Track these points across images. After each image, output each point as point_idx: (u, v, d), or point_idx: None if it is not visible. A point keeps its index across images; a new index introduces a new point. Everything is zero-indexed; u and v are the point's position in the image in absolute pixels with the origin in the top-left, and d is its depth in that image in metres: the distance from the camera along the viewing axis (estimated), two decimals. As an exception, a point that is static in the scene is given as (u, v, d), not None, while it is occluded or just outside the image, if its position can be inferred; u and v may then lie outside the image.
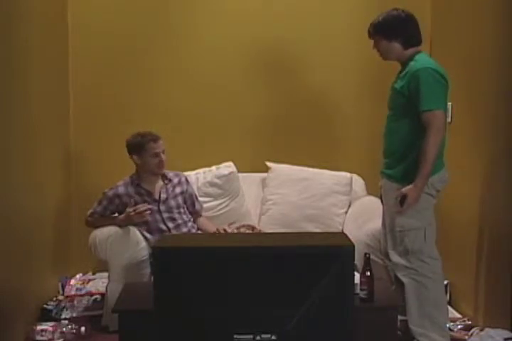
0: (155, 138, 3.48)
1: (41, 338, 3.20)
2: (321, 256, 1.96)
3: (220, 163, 3.98)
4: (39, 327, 3.24)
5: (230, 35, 4.10)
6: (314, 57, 4.17)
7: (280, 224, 3.86)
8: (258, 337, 1.95)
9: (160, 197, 3.52)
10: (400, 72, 3.03)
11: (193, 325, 1.96)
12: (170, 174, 3.62)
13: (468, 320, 3.40)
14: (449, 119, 3.40)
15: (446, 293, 3.46)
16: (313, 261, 1.95)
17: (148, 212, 3.36)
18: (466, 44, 3.58)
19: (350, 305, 2.00)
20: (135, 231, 3.40)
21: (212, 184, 3.88)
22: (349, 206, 3.96)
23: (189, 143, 4.12)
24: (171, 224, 3.50)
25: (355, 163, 4.14)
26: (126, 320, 2.62)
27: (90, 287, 3.79)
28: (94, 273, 4.02)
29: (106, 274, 3.49)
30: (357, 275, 2.52)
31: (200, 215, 3.72)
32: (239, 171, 3.96)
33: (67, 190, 4.05)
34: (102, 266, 3.70)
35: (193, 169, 3.95)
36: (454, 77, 3.09)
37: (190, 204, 3.67)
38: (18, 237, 3.13)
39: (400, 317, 2.87)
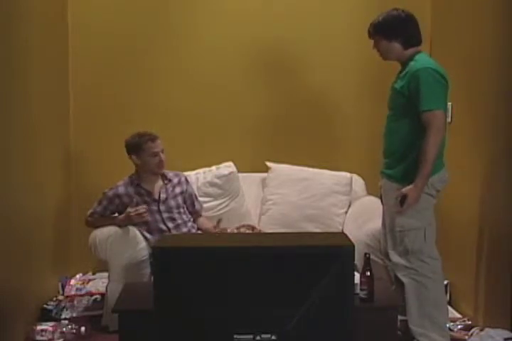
0: (153, 138, 3.48)
1: (41, 338, 3.20)
2: (321, 256, 1.96)
3: (220, 163, 3.98)
4: (39, 327, 3.24)
5: (230, 35, 4.10)
6: (314, 57, 4.17)
7: (280, 224, 3.86)
8: (258, 337, 1.95)
9: (160, 197, 3.52)
10: (400, 72, 3.03)
11: (193, 325, 1.96)
12: (170, 174, 3.63)
13: (468, 320, 3.40)
14: (449, 119, 3.40)
15: (446, 293, 3.46)
16: (313, 261, 1.95)
17: (146, 213, 3.37)
18: (466, 44, 3.58)
19: (350, 305, 2.00)
20: (135, 231, 3.40)
21: (212, 184, 3.88)
22: (349, 206, 3.96)
23: (189, 143, 4.12)
24: (170, 224, 3.50)
25: (355, 163, 4.14)
26: (126, 320, 2.62)
27: (90, 287, 3.79)
28: (94, 273, 4.02)
29: (106, 274, 3.49)
30: (357, 276, 2.52)
31: (200, 215, 3.73)
32: (239, 171, 3.96)
33: (67, 190, 4.05)
34: (102, 266, 3.70)
35: (193, 169, 3.96)
36: (454, 77, 3.09)
37: (190, 204, 3.67)
38: (18, 237, 3.13)
39: (400, 317, 2.87)
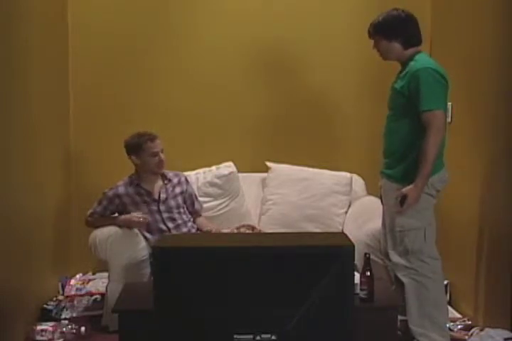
0: (152, 138, 3.48)
1: (41, 338, 3.19)
2: (321, 256, 1.96)
3: (220, 163, 3.98)
4: (39, 327, 3.24)
5: (230, 35, 4.10)
6: (314, 57, 4.17)
7: (280, 224, 3.86)
8: (258, 337, 1.95)
9: (160, 197, 3.52)
10: (400, 72, 3.03)
11: (193, 325, 1.96)
12: (169, 174, 3.62)
13: (468, 320, 3.40)
14: (449, 119, 3.40)
15: (446, 293, 3.46)
16: (313, 261, 1.95)
17: (145, 223, 3.41)
18: (466, 44, 3.58)
19: (350, 305, 2.00)
20: (135, 231, 3.40)
21: (212, 184, 3.88)
22: (349, 206, 3.95)
23: (189, 143, 4.12)
24: (170, 224, 3.50)
25: (355, 163, 4.14)
26: (126, 320, 2.62)
27: (90, 287, 3.79)
28: (94, 273, 4.02)
29: (106, 274, 3.49)
30: (357, 276, 2.52)
31: (200, 215, 3.72)
32: (239, 171, 3.96)
33: (67, 190, 4.05)
34: (102, 266, 3.70)
35: (193, 169, 3.95)
36: (454, 77, 3.09)
37: (190, 204, 3.67)
38: (18, 237, 3.13)
39: (400, 317, 2.87)
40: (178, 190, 3.61)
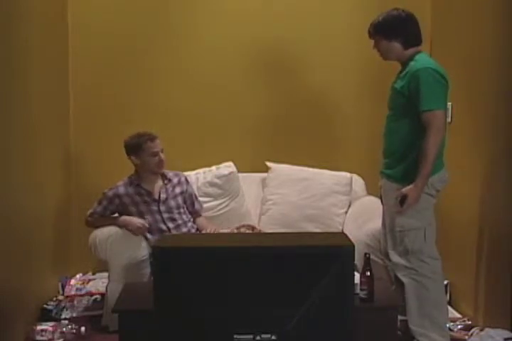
0: (152, 138, 3.48)
1: (41, 338, 3.19)
2: (321, 256, 1.96)
3: (220, 163, 3.98)
4: (39, 327, 3.24)
5: (230, 35, 4.10)
6: (314, 57, 4.17)
7: (280, 224, 3.86)
8: (258, 337, 1.95)
9: (160, 197, 3.52)
10: (400, 72, 3.03)
11: (193, 325, 1.96)
12: (169, 174, 3.62)
13: (468, 320, 3.40)
14: (449, 119, 3.40)
15: (446, 293, 3.46)
16: (313, 261, 1.94)
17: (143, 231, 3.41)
18: (466, 44, 3.58)
19: (350, 305, 2.00)
20: (135, 231, 3.41)
21: (212, 184, 3.88)
22: (349, 206, 3.95)
23: (189, 143, 4.12)
24: (171, 225, 3.50)
25: (355, 163, 4.14)
26: (126, 320, 2.62)
27: (90, 287, 3.79)
28: (94, 273, 4.02)
29: (106, 274, 3.49)
30: (357, 276, 2.52)
31: (200, 215, 3.72)
32: (239, 171, 3.96)
33: (67, 190, 4.05)
34: (102, 266, 3.70)
35: (193, 169, 3.95)
36: (454, 77, 3.09)
37: (190, 204, 3.67)
38: (18, 237, 3.13)
39: (400, 317, 2.87)
40: (178, 190, 3.61)
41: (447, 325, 3.08)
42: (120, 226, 3.38)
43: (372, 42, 3.07)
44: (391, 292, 2.96)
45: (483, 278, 3.32)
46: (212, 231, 3.55)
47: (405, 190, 2.88)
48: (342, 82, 4.18)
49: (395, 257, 3.01)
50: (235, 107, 4.16)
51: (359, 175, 4.06)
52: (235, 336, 1.95)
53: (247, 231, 3.59)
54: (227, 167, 3.94)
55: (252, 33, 4.10)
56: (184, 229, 3.53)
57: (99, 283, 3.80)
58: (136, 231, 3.37)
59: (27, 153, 3.28)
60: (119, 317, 2.64)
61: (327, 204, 3.90)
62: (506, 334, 2.99)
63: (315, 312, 1.93)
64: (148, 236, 3.44)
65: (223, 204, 3.91)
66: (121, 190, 3.50)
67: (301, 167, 4.04)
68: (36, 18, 3.46)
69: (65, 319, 3.49)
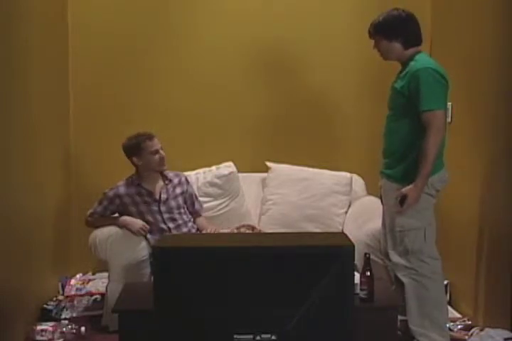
0: (150, 137, 3.49)
1: (41, 338, 3.19)
2: (321, 256, 1.96)
3: (220, 163, 3.98)
4: (39, 327, 3.23)
5: (230, 35, 4.10)
6: (314, 57, 4.17)
7: (280, 224, 3.86)
8: (258, 337, 1.95)
9: (160, 197, 3.52)
10: (400, 72, 3.03)
11: (193, 325, 1.96)
12: (170, 174, 3.62)
13: (468, 320, 3.40)
14: (449, 119, 3.40)
15: (446, 293, 3.46)
16: (313, 261, 1.95)
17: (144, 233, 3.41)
18: (466, 44, 3.58)
19: (350, 305, 2.00)
20: (135, 232, 3.41)
21: (212, 184, 3.88)
22: (349, 206, 3.95)
23: (189, 143, 4.12)
24: (171, 225, 3.50)
25: (355, 163, 4.14)
26: (126, 320, 2.62)
27: (90, 287, 3.79)
28: (94, 273, 4.02)
29: (106, 274, 3.49)
30: (357, 276, 2.52)
31: (200, 215, 3.72)
32: (239, 171, 3.96)
33: (67, 190, 4.05)
34: (102, 266, 3.70)
35: (193, 169, 3.95)
36: (454, 77, 3.09)
37: (190, 204, 3.67)
38: (18, 237, 3.13)
39: (400, 317, 2.87)
40: (178, 190, 3.61)
41: (447, 325, 3.08)
42: (120, 226, 3.38)
43: (372, 42, 3.07)
44: (391, 292, 2.96)
45: (483, 278, 3.32)
46: (212, 231, 3.55)
47: (405, 190, 2.88)
48: (342, 82, 4.18)
49: (395, 257, 3.01)
50: (235, 107, 4.15)
51: (359, 175, 4.06)
52: (235, 336, 1.95)
53: (247, 231, 3.59)
54: (227, 167, 3.94)
55: (252, 33, 4.10)
56: (184, 229, 3.53)
57: (99, 283, 3.80)
58: (137, 232, 3.37)
59: (27, 153, 3.28)
60: (119, 317, 2.64)
61: (327, 204, 3.90)
62: (506, 334, 2.99)
63: (315, 312, 1.94)
64: (149, 236, 3.44)
65: (223, 204, 3.91)
66: (122, 190, 3.50)
67: (301, 167, 4.04)
68: (36, 18, 3.46)
69: (65, 319, 3.49)
